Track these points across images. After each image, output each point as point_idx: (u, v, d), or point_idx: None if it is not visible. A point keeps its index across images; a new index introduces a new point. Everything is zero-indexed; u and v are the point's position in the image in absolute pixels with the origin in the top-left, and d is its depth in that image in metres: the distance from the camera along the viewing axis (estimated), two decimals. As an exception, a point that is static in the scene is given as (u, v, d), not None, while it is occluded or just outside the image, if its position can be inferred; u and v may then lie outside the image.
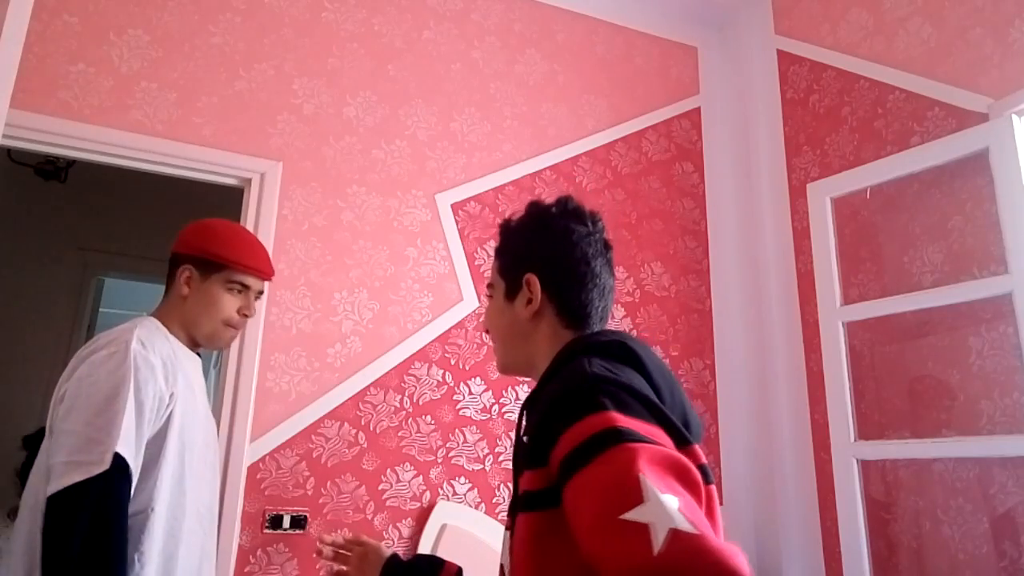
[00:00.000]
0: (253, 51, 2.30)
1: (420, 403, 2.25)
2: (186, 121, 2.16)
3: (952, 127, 2.12)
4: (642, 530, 0.62)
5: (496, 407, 2.35)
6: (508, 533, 0.89)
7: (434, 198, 2.44)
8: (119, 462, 1.21)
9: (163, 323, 1.45)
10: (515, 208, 2.56)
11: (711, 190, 2.93)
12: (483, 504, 2.25)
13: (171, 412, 1.33)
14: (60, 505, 1.17)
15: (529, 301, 1.01)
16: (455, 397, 2.31)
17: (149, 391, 1.28)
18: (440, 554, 2.10)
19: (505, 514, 2.25)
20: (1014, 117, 1.93)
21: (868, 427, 2.23)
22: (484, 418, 2.33)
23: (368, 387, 2.19)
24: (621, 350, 0.90)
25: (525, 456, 0.82)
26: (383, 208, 2.36)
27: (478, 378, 2.35)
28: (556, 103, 2.74)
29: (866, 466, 2.16)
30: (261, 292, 1.55)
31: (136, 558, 1.25)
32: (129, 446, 1.23)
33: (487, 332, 1.12)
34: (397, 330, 2.27)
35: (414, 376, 2.27)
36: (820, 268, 2.33)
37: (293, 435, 2.06)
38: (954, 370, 2.07)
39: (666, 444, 0.75)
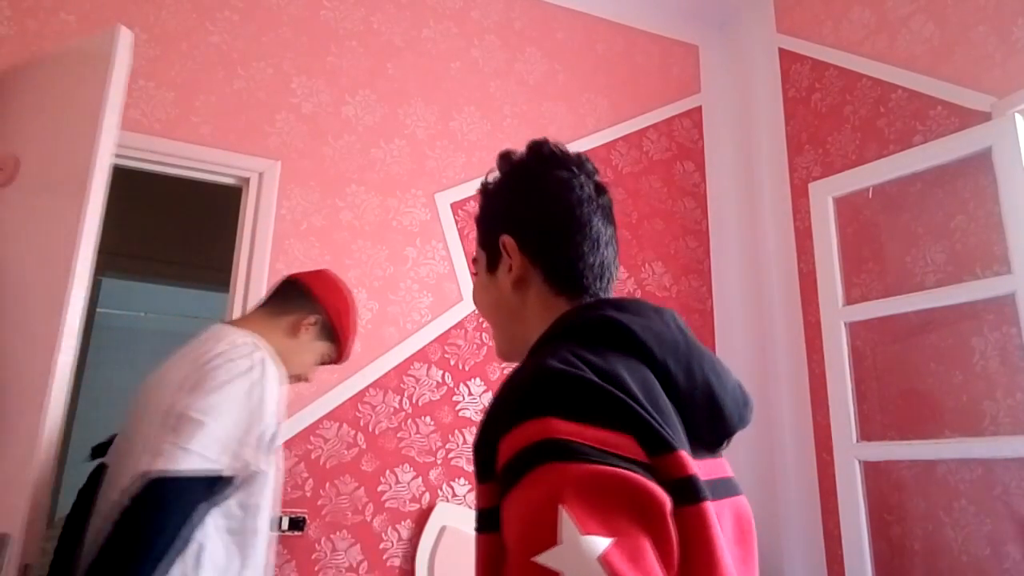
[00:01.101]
0: (251, 50, 2.29)
1: (419, 404, 2.24)
2: (184, 120, 2.14)
3: (955, 126, 2.11)
4: None
5: (496, 408, 2.34)
6: None
7: (433, 197, 2.43)
8: (240, 476, 1.21)
9: (270, 346, 1.44)
10: (515, 208, 2.56)
11: (712, 189, 2.92)
12: (483, 505, 2.23)
13: (276, 444, 1.34)
14: (162, 489, 1.13)
15: (509, 268, 0.85)
16: (455, 398, 2.29)
17: (273, 417, 1.29)
18: (439, 556, 2.10)
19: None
20: (1017, 116, 1.91)
21: (870, 428, 2.22)
22: (484, 419, 2.31)
23: (367, 388, 2.18)
24: (607, 329, 0.72)
25: (477, 466, 0.68)
26: (382, 208, 2.35)
27: (478, 379, 2.34)
28: (556, 102, 2.73)
29: (868, 467, 2.15)
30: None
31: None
32: (258, 467, 1.24)
33: (482, 318, 1.02)
34: (396, 330, 2.26)
35: (413, 377, 2.26)
36: (822, 268, 2.32)
37: (291, 436, 2.05)
38: (957, 371, 2.05)
39: (629, 455, 0.59)
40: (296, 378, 1.51)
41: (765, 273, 2.72)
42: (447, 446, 2.24)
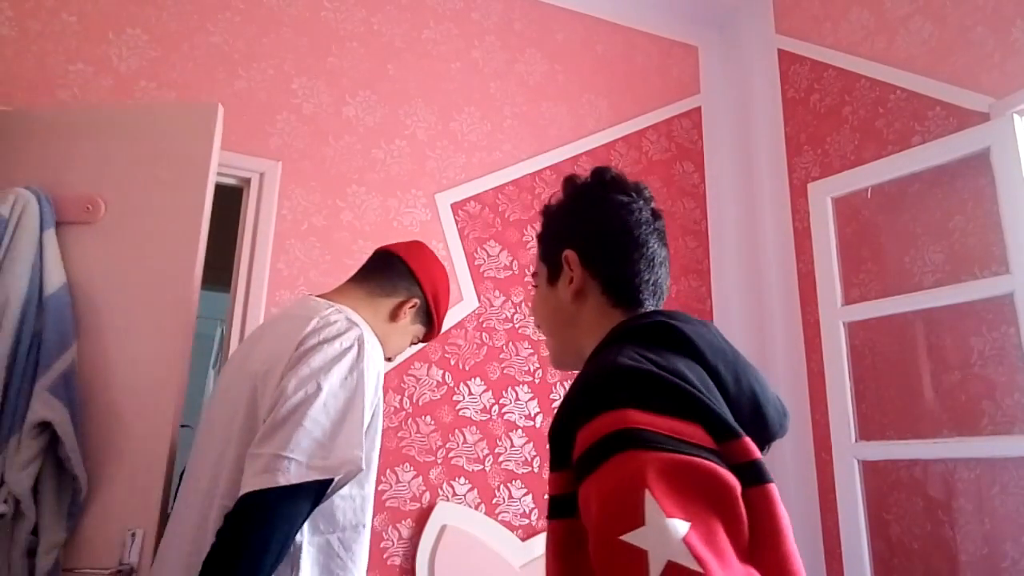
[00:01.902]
0: (252, 50, 2.29)
1: (420, 403, 2.25)
2: (185, 121, 2.15)
3: (953, 127, 2.11)
4: (638, 557, 0.55)
5: (496, 408, 2.35)
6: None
7: (434, 198, 2.44)
8: (354, 470, 1.11)
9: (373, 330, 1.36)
10: (515, 208, 2.57)
11: (711, 190, 2.93)
12: (483, 505, 2.24)
13: (376, 422, 1.22)
14: (261, 504, 1.03)
15: (571, 281, 0.92)
16: (455, 397, 2.30)
17: (371, 401, 1.19)
18: (439, 555, 2.10)
19: (506, 514, 2.25)
20: (1015, 116, 1.92)
21: (869, 427, 2.22)
22: (484, 418, 2.32)
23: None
24: (665, 333, 0.79)
25: (552, 455, 0.74)
26: (383, 208, 2.35)
27: (478, 378, 2.35)
28: (556, 102, 2.74)
29: (867, 467, 2.15)
30: None
31: (354, 573, 1.17)
32: (362, 464, 1.13)
33: (538, 327, 1.03)
34: (397, 330, 2.27)
35: (414, 376, 2.26)
36: (821, 268, 2.33)
37: (292, 435, 2.06)
38: (955, 370, 2.06)
39: (700, 443, 0.64)
40: (390, 359, 1.45)
41: (764, 273, 2.72)
42: (447, 445, 2.25)
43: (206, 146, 1.79)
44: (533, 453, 2.35)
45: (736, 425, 0.68)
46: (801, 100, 2.71)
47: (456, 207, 2.46)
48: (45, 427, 1.48)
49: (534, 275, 1.02)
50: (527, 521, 2.28)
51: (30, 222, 1.60)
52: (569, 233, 0.95)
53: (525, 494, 2.30)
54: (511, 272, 2.50)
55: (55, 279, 1.60)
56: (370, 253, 2.33)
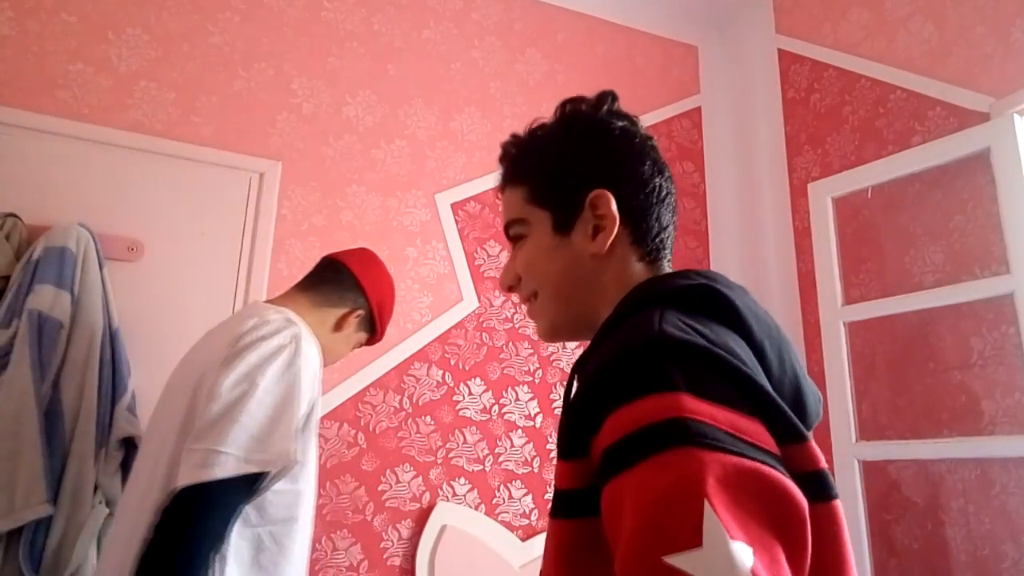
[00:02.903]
0: (252, 50, 2.29)
1: (420, 403, 2.25)
2: (185, 120, 2.15)
3: (953, 127, 2.11)
4: None
5: (496, 408, 2.35)
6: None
7: (434, 198, 2.43)
8: (288, 465, 1.14)
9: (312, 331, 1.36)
10: (515, 208, 2.56)
11: (712, 190, 2.93)
12: (483, 505, 2.24)
13: (312, 419, 1.24)
14: (194, 499, 1.04)
15: (597, 229, 0.75)
16: (455, 398, 2.30)
17: (307, 398, 1.21)
18: (440, 555, 2.10)
19: (506, 515, 2.25)
20: (1016, 116, 1.92)
21: (869, 428, 2.22)
22: (484, 419, 2.32)
23: (367, 387, 2.19)
24: (710, 298, 0.65)
25: (560, 441, 0.60)
26: (383, 208, 2.35)
27: (478, 378, 2.35)
28: (556, 102, 2.72)
29: (868, 467, 2.15)
30: None
31: (285, 568, 1.17)
32: (295, 457, 1.15)
33: (509, 289, 0.82)
34: (396, 330, 2.27)
35: (414, 376, 2.26)
36: (821, 268, 2.33)
37: (292, 435, 2.05)
38: (955, 370, 2.06)
39: (763, 445, 0.51)
40: (329, 364, 1.49)
41: (764, 273, 2.72)
42: (447, 446, 2.25)
43: (250, 206, 2.15)
44: (533, 453, 2.35)
45: (801, 425, 0.55)
46: (801, 100, 2.71)
47: (456, 207, 2.46)
48: (125, 442, 1.72)
49: (516, 223, 0.80)
50: (527, 521, 2.28)
51: (92, 257, 1.80)
52: (597, 169, 0.76)
53: (525, 494, 2.30)
54: (511, 272, 2.49)
55: (116, 312, 1.81)
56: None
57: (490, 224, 2.50)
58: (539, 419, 2.40)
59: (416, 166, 2.44)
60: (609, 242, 0.74)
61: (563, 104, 0.82)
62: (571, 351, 2.51)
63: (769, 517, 0.48)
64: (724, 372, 0.54)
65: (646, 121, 3.08)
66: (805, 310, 2.54)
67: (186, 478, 1.05)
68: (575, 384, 0.75)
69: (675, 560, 0.44)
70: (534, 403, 2.40)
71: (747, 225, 2.84)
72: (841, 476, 2.14)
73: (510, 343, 2.42)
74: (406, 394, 2.24)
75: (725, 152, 2.98)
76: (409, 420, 2.22)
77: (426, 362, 2.29)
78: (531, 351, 2.45)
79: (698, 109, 3.02)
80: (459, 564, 2.11)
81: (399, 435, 2.20)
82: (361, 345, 1.55)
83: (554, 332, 0.80)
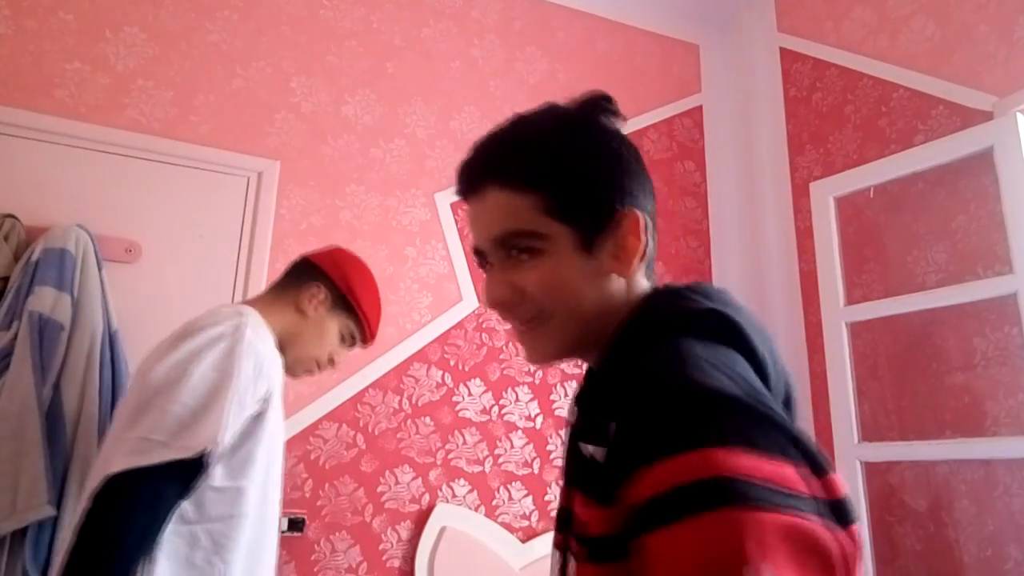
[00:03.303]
0: (250, 49, 2.28)
1: (419, 404, 2.24)
2: (183, 119, 2.14)
3: (956, 125, 2.10)
4: None
5: (496, 408, 2.34)
6: (558, 553, 0.67)
7: (433, 197, 2.42)
8: (206, 456, 1.10)
9: (270, 327, 1.35)
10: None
11: (713, 189, 2.91)
12: (483, 506, 2.23)
13: (266, 414, 1.23)
14: (123, 486, 1.04)
15: (621, 250, 0.71)
16: (454, 398, 2.29)
17: (252, 388, 1.19)
18: (439, 557, 2.09)
19: (506, 516, 2.24)
20: (1019, 115, 1.91)
21: (871, 429, 2.21)
22: (483, 419, 2.31)
23: (366, 388, 2.18)
24: (721, 325, 0.65)
25: (586, 480, 0.59)
26: (382, 207, 2.34)
27: (478, 379, 2.34)
28: (556, 101, 2.71)
29: (870, 468, 2.14)
30: (351, 349, 1.51)
31: (220, 568, 1.15)
32: (222, 442, 1.12)
33: (500, 305, 0.72)
34: (396, 330, 2.25)
35: (413, 377, 2.25)
36: (823, 268, 2.31)
37: (290, 437, 2.04)
38: (958, 371, 2.05)
39: (802, 491, 0.50)
40: (319, 363, 1.43)
41: (766, 273, 2.71)
42: (447, 447, 2.23)
43: (248, 206, 2.13)
44: (533, 454, 2.34)
45: (827, 459, 0.55)
46: (803, 99, 2.69)
47: (456, 206, 2.45)
48: None
49: (529, 236, 0.70)
50: (527, 523, 2.27)
51: (91, 259, 1.80)
52: (622, 185, 0.71)
53: (525, 496, 2.29)
54: (511, 272, 2.48)
55: (115, 313, 1.80)
56: (369, 253, 2.32)
57: (490, 224, 2.49)
58: (539, 420, 2.38)
59: (415, 165, 2.43)
60: (634, 264, 0.71)
61: (595, 100, 0.75)
62: (571, 351, 2.50)
63: (813, 571, 0.47)
64: (758, 420, 0.53)
65: (647, 120, 3.08)
66: (807, 310, 2.53)
67: (116, 465, 1.06)
68: (577, 415, 0.74)
69: None
70: (534, 404, 2.39)
71: (748, 225, 2.83)
72: (843, 477, 2.12)
73: (510, 343, 2.41)
74: (405, 395, 2.23)
75: (726, 151, 2.97)
76: (408, 421, 2.21)
77: (425, 363, 2.28)
78: (531, 351, 2.44)
79: (699, 108, 3.00)
80: (459, 566, 2.10)
81: (398, 436, 2.19)
82: (353, 339, 1.46)
83: (558, 356, 0.74)
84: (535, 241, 0.69)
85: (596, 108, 0.74)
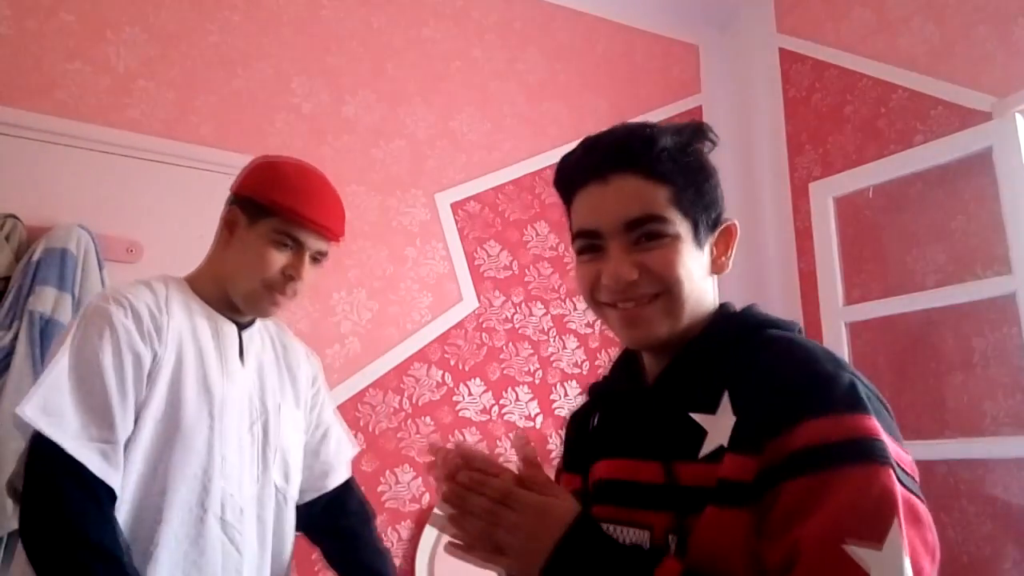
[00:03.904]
0: (251, 50, 2.28)
1: (419, 404, 2.24)
2: (184, 120, 2.14)
3: (955, 126, 2.11)
4: (857, 574, 0.54)
5: (496, 408, 2.34)
6: (645, 533, 0.71)
7: (433, 197, 2.43)
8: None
9: (194, 279, 1.24)
10: (515, 208, 2.55)
11: (712, 189, 2.92)
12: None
13: (154, 381, 1.10)
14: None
15: (718, 256, 0.82)
16: (455, 398, 2.29)
17: (118, 356, 1.07)
18: (439, 556, 2.09)
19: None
20: (1018, 116, 1.91)
21: (870, 428, 2.21)
22: (484, 419, 2.31)
23: (367, 388, 2.18)
24: (790, 329, 0.78)
25: (733, 436, 0.65)
26: (382, 208, 2.34)
27: (478, 379, 2.34)
28: (556, 102, 2.73)
29: (868, 467, 2.14)
30: (322, 254, 1.23)
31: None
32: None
33: (630, 285, 0.75)
34: (396, 330, 2.26)
35: (413, 377, 2.25)
36: (822, 268, 2.32)
37: (291, 436, 2.05)
38: (957, 371, 2.05)
39: (912, 473, 0.64)
40: (268, 284, 1.18)
41: (765, 273, 2.71)
42: (455, 443, 2.24)
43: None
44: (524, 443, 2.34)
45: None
46: (802, 99, 2.70)
47: (456, 207, 2.45)
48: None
49: (658, 220, 0.76)
50: (527, 522, 2.27)
51: (91, 259, 1.79)
52: (721, 199, 0.83)
53: (525, 495, 2.29)
54: (511, 272, 2.49)
55: None
56: (369, 253, 2.33)
57: (490, 224, 2.49)
58: (539, 420, 2.39)
59: (415, 166, 2.43)
60: (717, 270, 0.82)
61: (701, 124, 0.87)
62: (571, 351, 2.50)
63: (927, 544, 0.59)
64: (884, 406, 0.66)
65: (647, 120, 3.06)
66: (806, 310, 2.53)
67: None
68: (671, 391, 0.78)
69: (855, 548, 0.54)
70: (534, 404, 2.40)
71: (748, 225, 2.81)
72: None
73: (510, 343, 2.42)
74: (405, 395, 2.23)
75: (726, 151, 2.92)
76: (409, 421, 2.21)
77: (426, 362, 2.28)
78: (531, 351, 2.44)
79: (699, 108, 3.01)
80: (459, 566, 2.09)
81: (398, 436, 2.19)
82: (288, 235, 1.18)
83: (666, 334, 0.77)
84: (665, 226, 0.76)
85: (701, 132, 0.85)
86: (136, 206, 2.00)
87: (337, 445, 1.41)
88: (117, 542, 1.03)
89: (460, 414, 2.29)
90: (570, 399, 2.45)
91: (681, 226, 0.77)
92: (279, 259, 1.18)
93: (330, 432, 1.41)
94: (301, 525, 1.34)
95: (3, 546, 1.56)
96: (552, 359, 2.47)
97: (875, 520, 0.56)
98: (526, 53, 2.73)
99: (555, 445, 2.39)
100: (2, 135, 1.91)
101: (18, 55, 1.98)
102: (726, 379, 0.70)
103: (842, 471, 0.58)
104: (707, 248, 0.80)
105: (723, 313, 0.79)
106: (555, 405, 2.43)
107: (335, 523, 1.39)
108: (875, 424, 0.61)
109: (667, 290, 0.76)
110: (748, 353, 0.71)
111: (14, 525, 1.52)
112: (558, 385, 2.45)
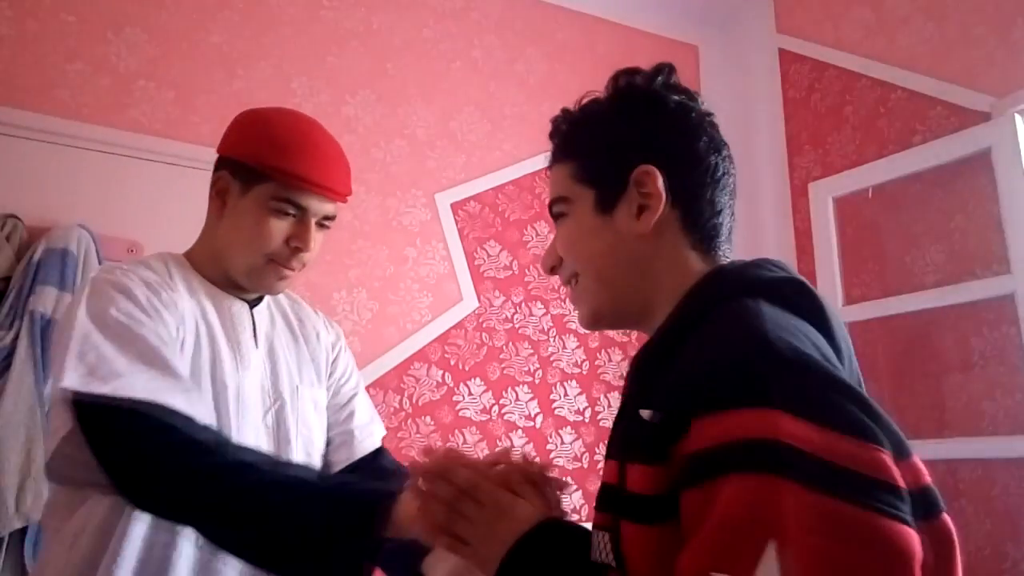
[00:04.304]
0: (251, 50, 2.29)
1: (419, 404, 2.24)
2: (184, 120, 2.14)
3: (954, 126, 2.11)
4: None
5: (496, 408, 2.34)
6: (604, 534, 0.61)
7: (433, 197, 2.43)
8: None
9: (192, 255, 1.10)
10: (515, 208, 2.56)
11: (712, 189, 2.92)
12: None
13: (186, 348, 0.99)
14: None
15: (642, 209, 0.69)
16: (455, 398, 2.30)
17: (144, 312, 0.94)
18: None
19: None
20: (1016, 116, 1.92)
21: (870, 428, 2.22)
22: (484, 419, 2.32)
23: (367, 388, 2.17)
24: (801, 294, 0.61)
25: (641, 442, 0.56)
26: (382, 208, 2.35)
27: (478, 379, 2.34)
28: (556, 102, 2.69)
29: (868, 467, 2.15)
30: (329, 218, 1.10)
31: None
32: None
33: (551, 271, 0.76)
34: (396, 330, 2.26)
35: (413, 377, 2.26)
36: (822, 268, 2.32)
37: (292, 436, 2.05)
38: (956, 371, 2.05)
39: (869, 472, 0.46)
40: (271, 256, 1.04)
41: (765, 273, 2.72)
42: (447, 446, 2.24)
43: None
44: (533, 454, 2.35)
45: (904, 440, 0.50)
46: (802, 99, 2.70)
47: (456, 207, 2.46)
48: None
49: (561, 201, 0.74)
50: (527, 521, 2.28)
51: (92, 259, 1.79)
52: (644, 143, 0.70)
53: (525, 494, 2.30)
54: (511, 272, 2.49)
55: None
56: (369, 253, 2.33)
57: (490, 224, 2.50)
58: (539, 419, 2.39)
59: (416, 166, 2.43)
60: (654, 221, 0.68)
61: (615, 76, 0.77)
62: (571, 351, 2.51)
63: (851, 565, 0.43)
64: (834, 389, 0.49)
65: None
66: (805, 310, 2.54)
67: None
68: (635, 381, 0.68)
69: None
70: (534, 403, 2.40)
71: (747, 225, 2.83)
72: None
73: (510, 343, 2.42)
74: (406, 394, 2.23)
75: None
76: (409, 420, 2.22)
77: (426, 362, 2.28)
78: (531, 351, 2.45)
79: (698, 108, 3.01)
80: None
81: (399, 435, 2.19)
82: (287, 200, 1.03)
83: (596, 318, 0.74)
84: (565, 205, 0.74)
85: (652, 75, 0.75)
86: (136, 205, 2.00)
87: (368, 413, 1.26)
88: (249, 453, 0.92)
89: (460, 414, 2.29)
90: (570, 399, 2.45)
91: (581, 199, 0.72)
92: (281, 228, 1.03)
93: (357, 400, 1.25)
94: None
95: (3, 546, 1.56)
96: (552, 359, 2.48)
97: (745, 545, 0.44)
98: (526, 53, 2.73)
99: (555, 445, 2.39)
100: (3, 135, 1.92)
101: (19, 55, 1.99)
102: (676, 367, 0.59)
103: (727, 482, 0.46)
104: (623, 209, 0.70)
105: (704, 281, 0.67)
106: (555, 405, 2.43)
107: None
108: (772, 419, 0.46)
109: (576, 271, 0.73)
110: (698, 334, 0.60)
111: (15, 525, 1.53)
112: (558, 385, 2.46)
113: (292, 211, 1.04)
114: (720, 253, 0.72)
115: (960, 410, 2.02)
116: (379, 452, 1.24)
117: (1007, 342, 1.94)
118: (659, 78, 0.74)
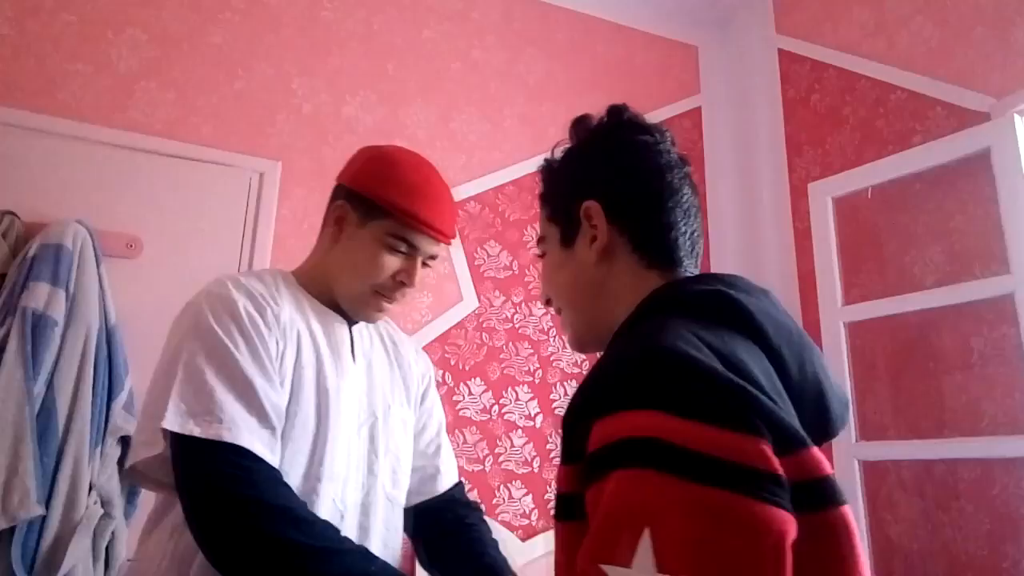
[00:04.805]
0: (252, 50, 2.29)
1: (419, 403, 2.24)
2: (185, 120, 2.15)
3: (954, 126, 2.11)
4: None
5: (496, 408, 2.35)
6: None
7: (434, 198, 2.43)
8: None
9: (300, 273, 1.16)
10: (515, 208, 2.56)
11: (712, 190, 2.93)
12: (483, 505, 2.23)
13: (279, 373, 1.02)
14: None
15: (593, 239, 0.76)
16: (455, 398, 2.30)
17: (251, 341, 0.98)
18: (439, 555, 2.09)
19: (506, 515, 2.24)
20: (1016, 117, 1.92)
21: (869, 428, 2.22)
22: (484, 419, 2.32)
23: (367, 387, 2.18)
24: (722, 305, 0.65)
25: (563, 444, 0.61)
26: (382, 208, 2.35)
27: (478, 378, 2.35)
28: (556, 102, 2.73)
29: (867, 467, 2.15)
30: (433, 258, 1.17)
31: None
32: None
33: (546, 303, 0.84)
34: (396, 330, 2.26)
35: (413, 376, 2.26)
36: (821, 268, 2.33)
37: (292, 436, 2.05)
38: (956, 371, 2.06)
39: (755, 464, 0.49)
40: (378, 289, 1.10)
41: (764, 273, 2.72)
42: (447, 446, 2.24)
43: (250, 205, 2.16)
44: (533, 453, 2.35)
45: (802, 431, 0.54)
46: (801, 100, 2.70)
47: (456, 207, 2.46)
48: (122, 440, 1.73)
49: (540, 241, 0.85)
50: (527, 521, 2.28)
51: (89, 255, 1.78)
52: (588, 181, 0.79)
53: (525, 494, 2.30)
54: (511, 272, 2.49)
55: (113, 309, 1.80)
56: (370, 253, 2.32)
57: (490, 224, 2.50)
58: (539, 419, 2.39)
59: (416, 166, 2.43)
60: (601, 248, 0.76)
61: (572, 123, 0.87)
62: (571, 351, 2.51)
63: (731, 555, 0.46)
64: (720, 389, 0.52)
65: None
66: (805, 310, 2.54)
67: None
68: None
69: (609, 570, 0.47)
70: (534, 403, 2.40)
71: (747, 225, 2.84)
72: (841, 476, 2.14)
73: (510, 343, 2.42)
74: (406, 394, 2.23)
75: (725, 152, 2.98)
76: (409, 420, 2.22)
77: (426, 362, 2.28)
78: (531, 351, 2.45)
79: (698, 109, 3.01)
80: (459, 564, 2.10)
81: (399, 435, 2.19)
82: (403, 239, 1.10)
83: (580, 343, 0.82)
84: (542, 244, 0.85)
85: (610, 116, 0.84)
86: (137, 202, 2.01)
87: (448, 448, 1.32)
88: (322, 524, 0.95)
89: (460, 413, 2.29)
90: (570, 398, 2.45)
91: (552, 237, 0.83)
92: (392, 263, 1.10)
93: (442, 433, 1.31)
94: (406, 528, 1.23)
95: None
96: (552, 359, 2.48)
97: (620, 533, 0.48)
98: (526, 53, 2.74)
99: (555, 445, 2.39)
100: (3, 135, 1.92)
101: (20, 55, 1.99)
102: None
103: (611, 478, 0.51)
104: (581, 242, 0.78)
105: (645, 300, 0.71)
106: (555, 405, 2.43)
107: (444, 522, 1.27)
108: (643, 418, 0.51)
109: (557, 300, 0.83)
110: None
111: (1, 525, 1.50)
112: (558, 385, 2.46)
113: (404, 249, 1.11)
114: (681, 269, 0.77)
115: (959, 410, 2.03)
116: (458, 485, 1.32)
117: (1006, 342, 1.94)
118: (608, 119, 0.83)
